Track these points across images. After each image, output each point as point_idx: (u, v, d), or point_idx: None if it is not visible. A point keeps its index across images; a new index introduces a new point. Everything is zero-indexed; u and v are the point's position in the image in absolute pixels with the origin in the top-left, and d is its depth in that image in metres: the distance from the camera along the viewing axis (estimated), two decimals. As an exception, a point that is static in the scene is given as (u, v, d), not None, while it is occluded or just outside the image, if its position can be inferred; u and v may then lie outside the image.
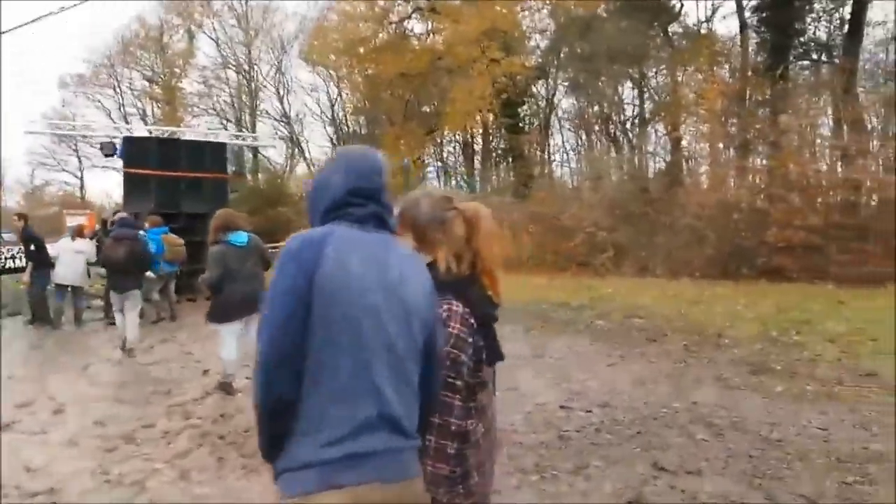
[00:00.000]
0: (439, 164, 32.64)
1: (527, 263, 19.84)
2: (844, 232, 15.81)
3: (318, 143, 35.51)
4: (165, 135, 15.46)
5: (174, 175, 13.79)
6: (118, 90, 37.36)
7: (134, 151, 13.65)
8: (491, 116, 26.09)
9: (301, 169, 35.17)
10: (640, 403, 5.79)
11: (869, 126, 18.98)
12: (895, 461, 4.25)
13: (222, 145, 15.57)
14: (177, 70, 36.35)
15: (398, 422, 1.62)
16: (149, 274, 10.90)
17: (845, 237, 15.69)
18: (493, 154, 30.13)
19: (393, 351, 1.63)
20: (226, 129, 35.01)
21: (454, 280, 1.97)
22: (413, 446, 1.69)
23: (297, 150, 35.43)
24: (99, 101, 36.93)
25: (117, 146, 13.91)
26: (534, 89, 28.83)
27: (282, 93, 35.29)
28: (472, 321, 1.96)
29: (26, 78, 53.67)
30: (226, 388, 6.30)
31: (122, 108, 36.84)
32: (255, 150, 33.72)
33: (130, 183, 13.58)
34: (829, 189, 17.33)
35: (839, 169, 17.83)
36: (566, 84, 28.37)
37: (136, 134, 14.28)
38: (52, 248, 10.08)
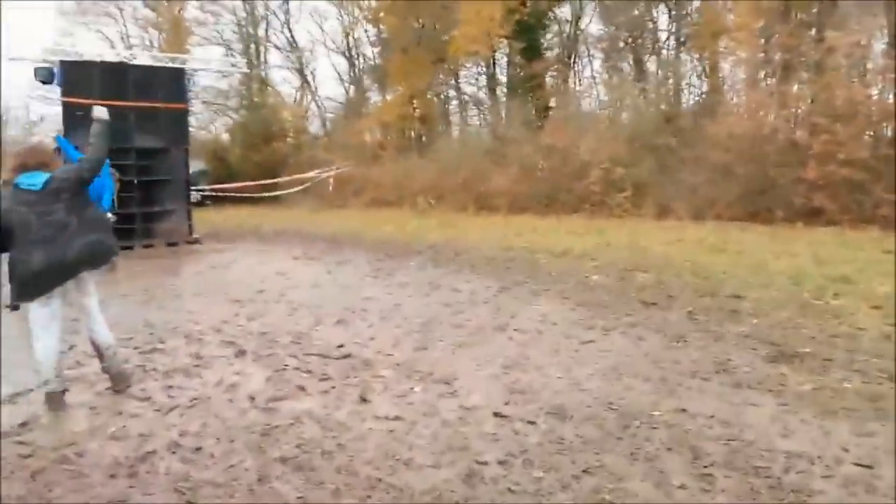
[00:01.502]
0: (454, 93, 30.35)
1: (535, 203, 18.04)
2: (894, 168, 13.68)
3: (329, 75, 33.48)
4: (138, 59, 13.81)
5: (120, 105, 12.21)
6: (121, 19, 35.64)
7: (74, 78, 12.08)
8: (506, 42, 23.90)
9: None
10: (605, 410, 4.16)
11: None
12: None
13: (180, 71, 13.91)
14: (179, -5, 34.40)
15: None
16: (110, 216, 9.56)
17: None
18: (519, 84, 27.71)
19: None
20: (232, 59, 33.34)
21: None
22: None
23: (304, 83, 33.46)
24: (100, 31, 35.25)
25: (55, 72, 12.32)
26: (557, 13, 26.31)
27: (289, 20, 33.16)
28: None
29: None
30: (52, 401, 4.37)
31: (125, 39, 35.11)
32: (262, 81, 31.96)
33: (71, 114, 12.03)
34: (880, 118, 15.06)
35: (892, 96, 15.53)
36: (594, 8, 25.78)
37: (76, 58, 12.61)
38: None
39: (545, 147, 18.66)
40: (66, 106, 12.00)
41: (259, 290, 8.44)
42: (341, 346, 5.78)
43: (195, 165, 25.12)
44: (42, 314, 4.35)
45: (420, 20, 26.50)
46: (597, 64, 27.19)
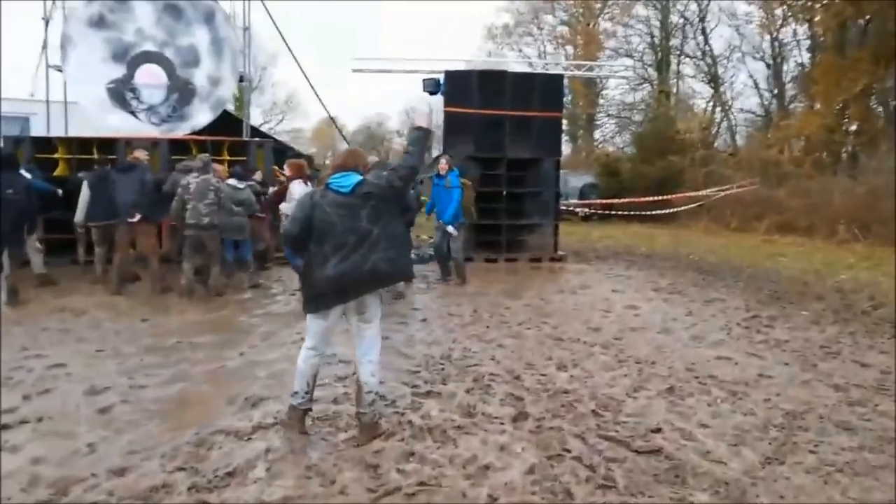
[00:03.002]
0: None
1: None
2: None
3: (748, 84, 30.19)
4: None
5: (497, 114, 11.94)
6: (540, 37, 37.54)
7: (455, 88, 12.15)
8: None
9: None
10: None
11: None
12: None
13: (557, 78, 13.15)
14: (597, 7, 34.70)
15: None
16: (451, 229, 9.38)
17: None
18: None
19: None
20: (642, 71, 32.46)
21: None
22: None
23: (716, 93, 30.74)
24: (521, 50, 37.53)
25: (441, 83, 12.57)
26: None
27: (704, 27, 30.83)
28: None
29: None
30: (292, 418, 4.00)
31: (542, 55, 36.73)
32: (663, 92, 30.35)
33: (451, 124, 12.15)
34: None
35: None
36: None
37: (457, 68, 12.67)
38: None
39: None
40: (447, 116, 12.19)
41: (594, 327, 7.08)
42: (656, 430, 4.14)
43: (584, 178, 24.77)
44: (317, 324, 4.00)
45: (864, 13, 22.01)
46: None
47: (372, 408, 3.99)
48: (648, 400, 4.73)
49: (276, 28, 13.12)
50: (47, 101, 11.80)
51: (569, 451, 3.83)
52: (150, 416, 4.32)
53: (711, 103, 31.17)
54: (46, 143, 10.92)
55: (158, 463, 3.60)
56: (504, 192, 12.19)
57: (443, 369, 5.40)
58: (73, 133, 11.65)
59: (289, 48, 13.27)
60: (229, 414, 4.35)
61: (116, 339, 6.34)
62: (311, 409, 4.07)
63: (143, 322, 7.08)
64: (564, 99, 25.37)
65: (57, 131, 12.00)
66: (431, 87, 12.71)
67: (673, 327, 7.13)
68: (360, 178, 3.91)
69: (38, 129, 12.84)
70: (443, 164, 9.37)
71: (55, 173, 10.65)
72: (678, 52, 32.07)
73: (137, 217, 8.54)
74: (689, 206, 19.94)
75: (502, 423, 4.23)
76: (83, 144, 10.83)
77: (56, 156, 10.83)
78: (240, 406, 4.50)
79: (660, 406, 4.61)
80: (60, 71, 11.51)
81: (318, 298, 3.89)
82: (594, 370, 5.44)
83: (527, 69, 26.30)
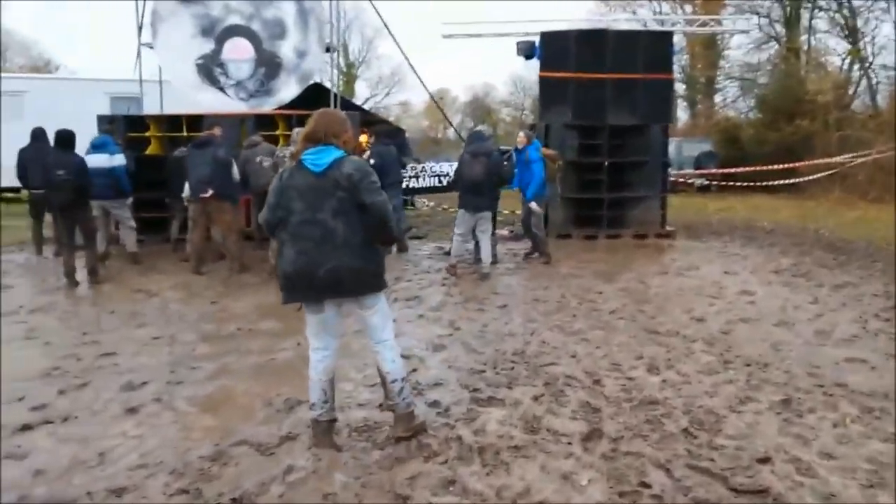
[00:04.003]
0: None
1: None
2: None
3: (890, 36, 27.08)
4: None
5: (596, 77, 10.93)
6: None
7: (551, 50, 11.21)
8: None
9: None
10: None
11: None
12: None
13: (665, 35, 11.92)
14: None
15: None
16: (534, 205, 8.74)
17: None
18: None
19: None
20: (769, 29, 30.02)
21: None
22: None
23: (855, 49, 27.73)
24: (634, 12, 35.47)
25: (536, 46, 11.65)
26: None
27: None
28: None
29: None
30: (317, 432, 3.48)
31: (657, 14, 34.55)
32: (792, 50, 27.72)
33: (547, 90, 11.25)
34: None
35: None
36: None
37: (555, 28, 11.68)
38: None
39: None
40: (542, 81, 11.30)
41: (698, 317, 6.18)
42: (764, 461, 3.31)
43: (701, 146, 23.05)
44: (312, 321, 3.43)
45: None
46: None
47: (402, 396, 3.49)
48: (756, 416, 3.87)
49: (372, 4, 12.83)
50: (140, 81, 11.86)
51: (648, 485, 3.08)
52: (178, 418, 3.93)
53: (848, 60, 28.24)
54: (139, 122, 10.99)
55: (164, 481, 3.16)
56: (605, 163, 11.21)
57: (512, 369, 4.73)
58: (167, 111, 11.70)
59: (384, 23, 12.85)
60: (260, 419, 3.88)
61: (179, 324, 6.09)
62: (335, 420, 3.55)
63: (212, 305, 6.84)
64: (682, 62, 23.66)
65: (154, 110, 12.09)
66: (526, 50, 11.86)
67: (794, 319, 6.10)
68: (340, 155, 3.23)
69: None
70: (521, 138, 8.78)
71: (147, 151, 10.71)
72: (810, 5, 29.19)
73: (209, 192, 8.26)
74: (821, 174, 18.05)
75: (570, 444, 3.52)
76: (173, 122, 10.83)
77: (148, 134, 10.88)
78: (276, 409, 4.03)
79: (771, 425, 3.75)
80: (151, 48, 11.53)
81: (283, 290, 3.38)
82: (692, 374, 4.60)
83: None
